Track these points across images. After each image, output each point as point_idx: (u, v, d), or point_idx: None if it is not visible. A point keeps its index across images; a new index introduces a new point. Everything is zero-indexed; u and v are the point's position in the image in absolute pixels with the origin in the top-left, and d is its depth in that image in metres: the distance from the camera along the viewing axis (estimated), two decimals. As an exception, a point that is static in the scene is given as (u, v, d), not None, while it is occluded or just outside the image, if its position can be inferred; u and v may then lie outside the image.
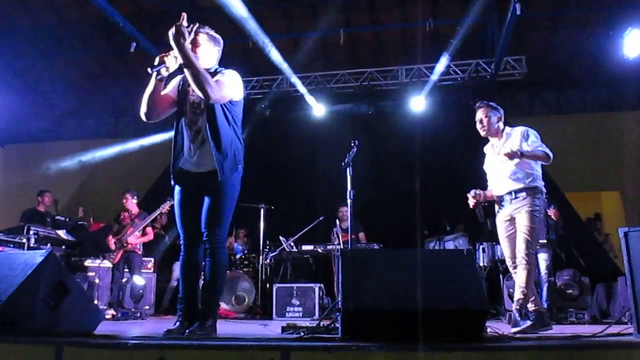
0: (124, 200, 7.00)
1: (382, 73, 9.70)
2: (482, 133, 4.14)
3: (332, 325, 3.30)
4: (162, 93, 3.34)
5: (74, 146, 11.44)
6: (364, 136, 7.91)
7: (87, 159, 11.34)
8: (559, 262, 6.70)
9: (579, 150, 9.34)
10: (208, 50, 3.37)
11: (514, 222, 3.93)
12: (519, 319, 3.65)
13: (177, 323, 3.24)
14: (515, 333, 3.48)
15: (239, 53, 10.54)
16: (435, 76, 9.18)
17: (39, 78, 10.86)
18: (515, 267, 3.88)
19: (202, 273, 3.42)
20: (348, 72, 9.82)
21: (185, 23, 3.08)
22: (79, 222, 8.50)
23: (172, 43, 3.04)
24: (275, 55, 8.96)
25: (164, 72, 3.23)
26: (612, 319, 5.89)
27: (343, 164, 4.57)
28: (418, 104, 9.31)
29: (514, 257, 3.90)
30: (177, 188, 3.42)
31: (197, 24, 3.28)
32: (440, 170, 8.89)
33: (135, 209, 7.02)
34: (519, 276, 3.79)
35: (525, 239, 3.80)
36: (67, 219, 8.26)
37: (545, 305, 6.09)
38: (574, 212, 8.39)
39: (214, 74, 3.29)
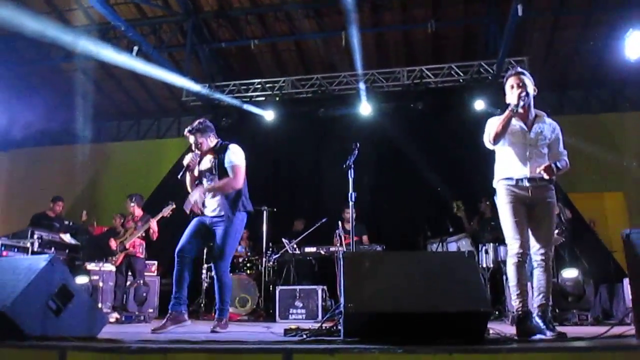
0: (127, 206, 7.05)
1: (383, 75, 9.70)
2: (518, 102, 3.54)
3: (335, 327, 3.31)
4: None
5: (78, 150, 11.48)
6: (366, 138, 7.97)
7: (91, 163, 11.39)
8: (562, 262, 6.70)
9: (582, 151, 9.31)
10: (205, 141, 4.43)
11: (531, 211, 3.58)
12: (543, 326, 3.38)
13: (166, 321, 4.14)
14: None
15: (241, 55, 10.60)
16: (437, 78, 9.21)
17: (43, 83, 10.92)
18: (522, 258, 3.50)
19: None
20: (349, 73, 9.80)
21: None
22: (83, 226, 8.53)
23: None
24: (277, 58, 9.02)
25: (192, 165, 4.40)
26: (615, 320, 5.89)
27: (344, 166, 4.57)
28: (420, 105, 9.30)
29: (527, 244, 3.53)
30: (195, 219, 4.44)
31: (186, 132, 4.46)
32: (445, 172, 8.89)
33: (138, 213, 7.05)
34: (541, 277, 3.51)
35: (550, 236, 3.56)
36: (71, 223, 8.27)
37: None
38: (577, 213, 8.37)
39: (219, 149, 4.44)
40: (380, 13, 9.53)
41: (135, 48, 8.57)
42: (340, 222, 7.28)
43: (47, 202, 8.02)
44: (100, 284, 7.04)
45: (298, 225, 8.54)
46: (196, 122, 4.47)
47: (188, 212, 4.37)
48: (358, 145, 4.72)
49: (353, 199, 4.54)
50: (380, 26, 9.78)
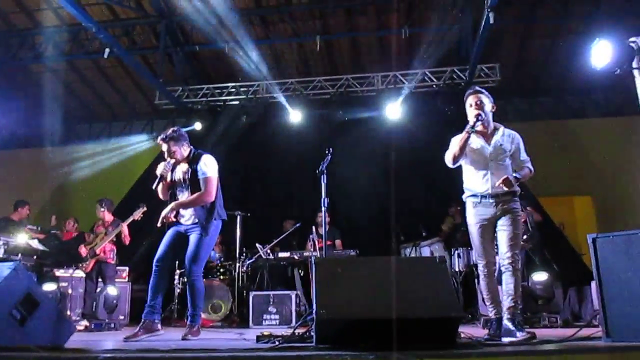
0: (97, 211, 6.91)
1: (358, 80, 9.75)
2: (474, 123, 3.70)
3: (308, 333, 3.30)
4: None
5: (46, 153, 11.22)
6: (340, 143, 7.98)
7: (61, 166, 11.15)
8: (532, 265, 6.80)
9: (551, 156, 9.49)
10: (178, 149, 4.38)
11: (495, 224, 3.72)
12: (513, 328, 3.44)
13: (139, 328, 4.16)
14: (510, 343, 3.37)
15: (216, 59, 10.52)
16: (410, 83, 9.29)
17: (9, 84, 10.65)
18: (488, 272, 3.72)
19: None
20: (324, 78, 9.85)
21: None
22: (52, 231, 8.31)
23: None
24: (251, 62, 8.98)
25: (165, 174, 4.37)
26: (584, 322, 6.00)
27: (317, 171, 4.58)
28: (394, 110, 9.37)
29: (493, 260, 3.75)
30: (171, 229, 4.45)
31: (159, 139, 4.40)
32: (416, 177, 8.96)
33: (109, 218, 6.92)
34: (510, 281, 3.61)
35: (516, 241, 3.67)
36: (39, 228, 8.05)
37: None
38: (547, 216, 8.51)
39: (193, 159, 4.40)
40: (355, 18, 9.58)
41: (107, 50, 8.42)
42: (314, 227, 7.28)
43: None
44: (69, 291, 6.88)
45: (287, 225, 8.46)
46: (170, 130, 4.43)
47: (160, 225, 4.38)
48: (331, 150, 4.73)
49: (325, 204, 4.55)
50: (355, 31, 9.82)
